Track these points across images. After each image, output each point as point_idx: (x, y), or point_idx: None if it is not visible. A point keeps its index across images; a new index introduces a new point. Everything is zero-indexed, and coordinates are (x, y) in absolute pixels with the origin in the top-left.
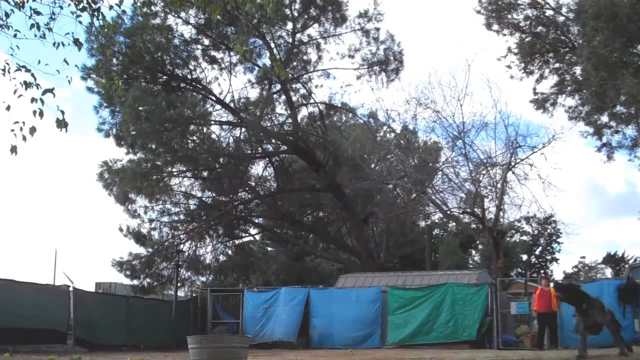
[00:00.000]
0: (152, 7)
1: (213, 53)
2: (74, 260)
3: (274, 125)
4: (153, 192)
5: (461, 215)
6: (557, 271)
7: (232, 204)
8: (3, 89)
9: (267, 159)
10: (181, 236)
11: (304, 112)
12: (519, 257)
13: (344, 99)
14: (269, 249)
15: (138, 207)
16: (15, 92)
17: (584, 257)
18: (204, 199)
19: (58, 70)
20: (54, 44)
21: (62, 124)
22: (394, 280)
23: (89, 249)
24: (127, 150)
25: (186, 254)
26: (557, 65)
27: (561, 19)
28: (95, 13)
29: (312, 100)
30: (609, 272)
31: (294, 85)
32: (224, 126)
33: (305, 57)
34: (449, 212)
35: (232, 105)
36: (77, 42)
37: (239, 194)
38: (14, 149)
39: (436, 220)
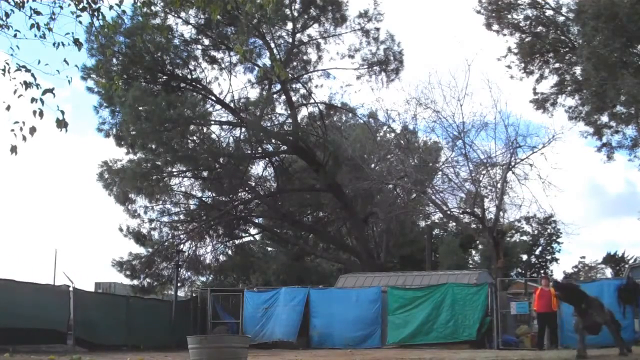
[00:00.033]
0: (152, 7)
1: (213, 53)
2: (74, 260)
3: (274, 125)
4: (153, 192)
5: (461, 215)
6: (557, 271)
7: (232, 204)
8: (3, 89)
9: (267, 159)
10: (181, 236)
11: (304, 112)
12: (519, 257)
13: (344, 99)
14: (269, 249)
15: (138, 207)
16: (15, 92)
17: (584, 257)
18: (204, 199)
19: (58, 70)
20: (54, 44)
21: (62, 124)
22: (394, 280)
23: (89, 249)
24: (127, 150)
25: (186, 254)
26: (557, 65)
27: (561, 19)
28: (95, 13)
29: (312, 100)
30: (609, 272)
31: (294, 85)
32: (224, 126)
33: (305, 57)
34: (449, 212)
35: (232, 105)
36: (77, 42)
37: (239, 194)
38: (14, 149)
39: (436, 220)
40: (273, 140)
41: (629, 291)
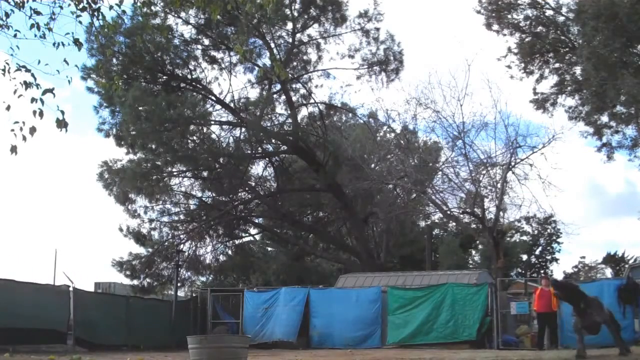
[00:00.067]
0: (152, 7)
1: (213, 53)
2: (74, 260)
3: (274, 125)
4: (153, 192)
5: (461, 215)
6: (557, 271)
7: (232, 204)
8: (3, 89)
9: (267, 159)
10: (181, 236)
11: (304, 112)
12: (519, 257)
13: (344, 99)
14: (269, 249)
15: (138, 207)
16: (15, 92)
17: (584, 257)
18: (204, 199)
19: (58, 70)
20: (54, 44)
21: (62, 124)
22: (394, 280)
23: (89, 249)
24: (127, 150)
25: (186, 254)
26: (557, 65)
27: (561, 19)
28: (95, 13)
29: (312, 100)
30: (609, 272)
31: (294, 85)
32: (224, 126)
33: (305, 57)
34: (449, 212)
35: (232, 105)
36: (77, 42)
37: (239, 194)
38: (14, 149)
39: (436, 220)
40: (273, 140)
41: (629, 291)
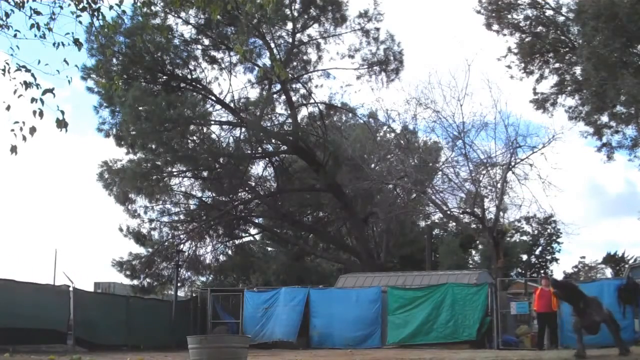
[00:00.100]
0: (152, 7)
1: (213, 53)
2: (74, 260)
3: (274, 125)
4: (153, 192)
5: (461, 215)
6: (557, 271)
7: (232, 204)
8: (3, 89)
9: (267, 159)
10: (181, 236)
11: (304, 112)
12: (519, 257)
13: (344, 99)
14: (269, 249)
15: (138, 207)
16: (15, 92)
17: (584, 257)
18: (204, 199)
19: (58, 70)
20: (54, 44)
21: (62, 124)
22: (394, 280)
23: (89, 249)
24: (127, 150)
25: (186, 254)
26: (557, 65)
27: (561, 19)
28: (95, 13)
29: (312, 100)
30: (609, 272)
31: (294, 85)
32: (224, 126)
33: (305, 57)
34: (449, 212)
35: (232, 105)
36: (77, 42)
37: (239, 194)
38: (14, 149)
39: (436, 220)
40: (273, 140)
41: (629, 291)
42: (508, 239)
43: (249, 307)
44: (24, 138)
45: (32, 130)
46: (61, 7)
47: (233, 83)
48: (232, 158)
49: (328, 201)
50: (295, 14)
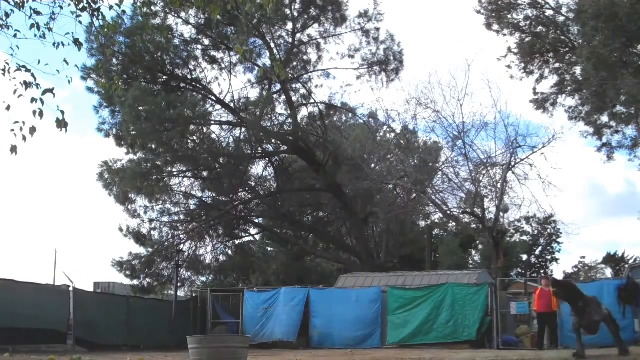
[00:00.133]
0: (152, 7)
1: (213, 53)
2: (73, 260)
3: (274, 125)
4: (153, 192)
5: (461, 215)
6: (557, 271)
7: (232, 204)
8: (3, 89)
9: (267, 159)
10: (181, 236)
11: (304, 112)
12: (519, 257)
13: (344, 99)
14: (269, 249)
15: (138, 207)
16: (15, 92)
17: (584, 257)
18: (204, 199)
19: (58, 70)
20: (54, 44)
21: (62, 124)
22: (394, 280)
23: (88, 249)
24: (127, 150)
25: (186, 254)
26: (557, 65)
27: (561, 19)
28: (95, 13)
29: (312, 100)
30: (609, 272)
31: (294, 85)
32: (224, 126)
33: (305, 57)
34: (449, 212)
35: (232, 105)
36: (77, 42)
37: (239, 194)
38: (14, 149)
39: (436, 220)
40: (273, 140)
41: (629, 291)
42: (508, 239)
43: (249, 307)
44: (24, 138)
45: (32, 130)
46: (61, 7)
47: (233, 83)
48: (232, 158)
49: (328, 201)
50: (295, 14)
